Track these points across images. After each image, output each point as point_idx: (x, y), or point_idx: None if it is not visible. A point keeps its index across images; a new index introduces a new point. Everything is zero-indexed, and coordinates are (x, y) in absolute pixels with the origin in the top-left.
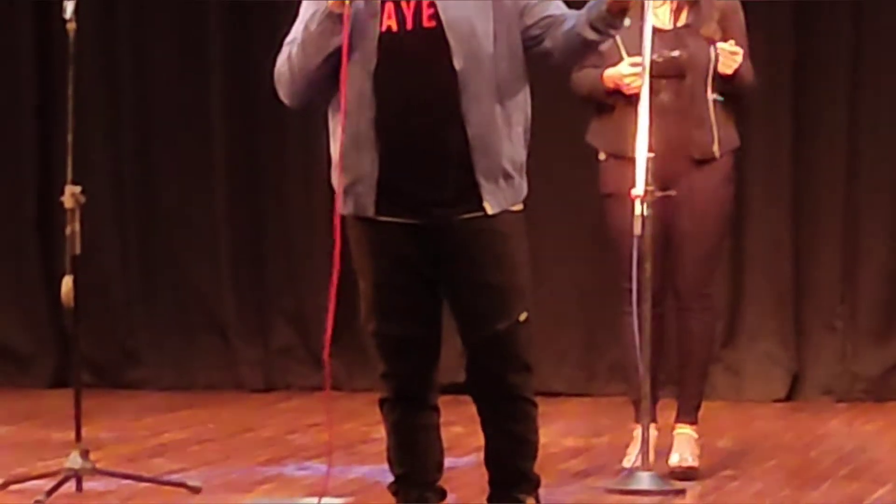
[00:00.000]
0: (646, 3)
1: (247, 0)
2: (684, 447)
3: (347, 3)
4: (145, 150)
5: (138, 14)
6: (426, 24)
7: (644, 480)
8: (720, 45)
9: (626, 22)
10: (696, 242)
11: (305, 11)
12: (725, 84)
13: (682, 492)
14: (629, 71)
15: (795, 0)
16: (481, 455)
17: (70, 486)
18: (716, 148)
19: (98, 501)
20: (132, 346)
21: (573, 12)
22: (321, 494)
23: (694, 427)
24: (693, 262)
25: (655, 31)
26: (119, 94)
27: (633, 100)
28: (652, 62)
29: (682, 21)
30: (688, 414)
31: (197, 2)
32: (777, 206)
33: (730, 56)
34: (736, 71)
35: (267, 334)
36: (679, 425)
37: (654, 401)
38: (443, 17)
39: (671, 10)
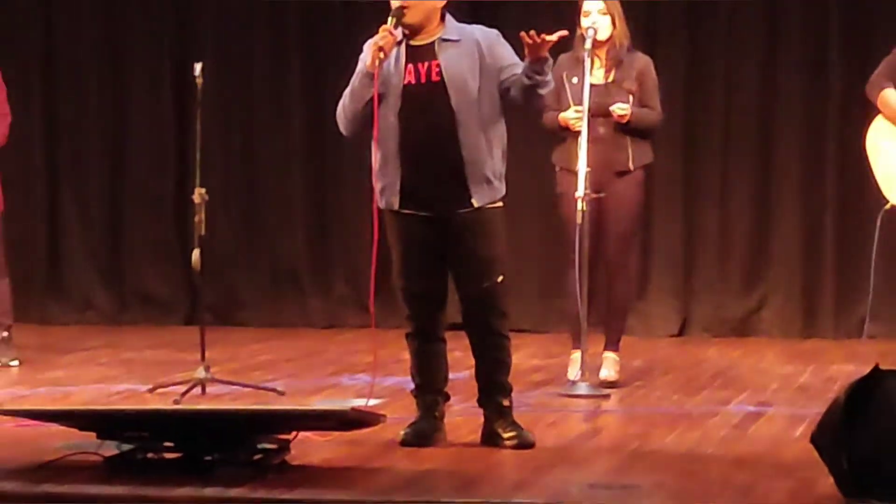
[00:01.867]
0: (586, 70)
1: (319, 57)
2: (609, 366)
3: (378, 67)
4: (248, 163)
5: (243, 71)
6: (434, 79)
7: (582, 388)
8: (612, 108)
9: (574, 80)
10: (617, 228)
11: (356, 71)
12: (626, 126)
13: (607, 396)
14: (574, 116)
15: (687, 61)
16: (473, 371)
17: (197, 390)
18: (630, 164)
19: (216, 401)
20: (238, 296)
21: None
22: (367, 397)
23: (616, 352)
24: (615, 242)
25: (592, 86)
26: (230, 124)
27: (577, 133)
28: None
29: (610, 78)
30: (612, 343)
31: (283, 62)
32: (673, 206)
33: (619, 114)
34: (629, 119)
35: (330, 288)
36: (606, 351)
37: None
38: (445, 74)
39: (604, 71)
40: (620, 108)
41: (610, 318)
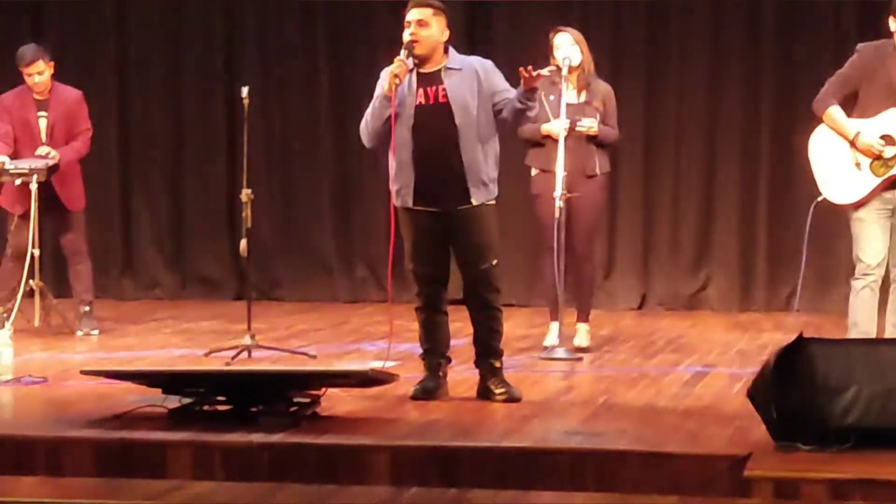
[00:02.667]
0: (563, 91)
1: (345, 81)
2: (582, 334)
3: (394, 90)
4: (285, 169)
5: (282, 93)
6: (441, 100)
7: (560, 352)
8: (578, 125)
9: (552, 97)
10: (585, 223)
11: (375, 94)
12: (593, 138)
13: (580, 359)
14: (557, 128)
15: (646, 80)
16: (471, 338)
17: (244, 354)
18: (597, 170)
19: (260, 363)
20: (278, 277)
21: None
22: (384, 360)
23: (587, 323)
24: (583, 233)
25: (567, 104)
26: (271, 137)
27: (555, 140)
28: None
29: (582, 98)
30: (584, 316)
31: (316, 85)
32: (634, 203)
33: (585, 130)
34: (595, 135)
35: (353, 270)
36: (579, 322)
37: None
38: (450, 96)
39: (576, 92)
40: (587, 124)
41: (580, 295)
